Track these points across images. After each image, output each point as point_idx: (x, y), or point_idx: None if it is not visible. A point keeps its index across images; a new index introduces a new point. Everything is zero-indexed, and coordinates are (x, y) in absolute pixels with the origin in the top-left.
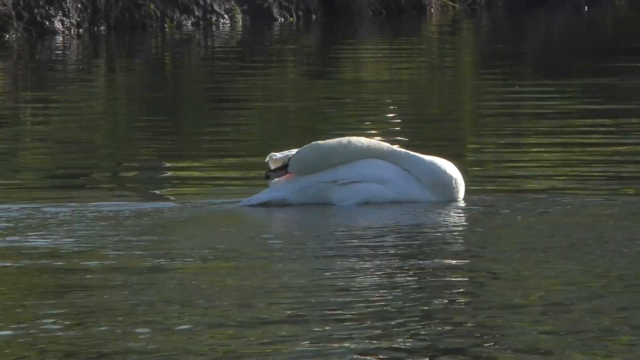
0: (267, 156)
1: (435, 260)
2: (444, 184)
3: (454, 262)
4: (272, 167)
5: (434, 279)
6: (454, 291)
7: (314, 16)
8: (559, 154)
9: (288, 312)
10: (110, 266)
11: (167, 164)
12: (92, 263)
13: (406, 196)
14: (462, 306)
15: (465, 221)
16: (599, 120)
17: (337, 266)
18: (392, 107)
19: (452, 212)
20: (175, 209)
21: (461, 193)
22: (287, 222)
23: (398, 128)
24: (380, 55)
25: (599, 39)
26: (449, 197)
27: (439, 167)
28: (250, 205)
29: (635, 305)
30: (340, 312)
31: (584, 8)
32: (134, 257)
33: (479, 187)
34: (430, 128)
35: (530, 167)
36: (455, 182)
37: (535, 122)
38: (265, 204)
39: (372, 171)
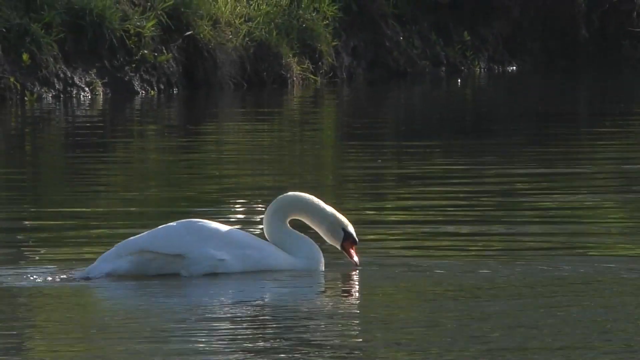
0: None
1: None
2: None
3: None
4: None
5: None
6: None
7: (175, 89)
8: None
9: None
10: None
11: None
12: None
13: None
14: None
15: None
16: (458, 181)
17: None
18: (254, 184)
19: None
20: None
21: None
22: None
23: (259, 205)
24: (241, 129)
25: (457, 109)
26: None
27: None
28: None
29: None
30: None
31: (457, 81)
32: None
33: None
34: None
35: (393, 235)
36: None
37: (396, 191)
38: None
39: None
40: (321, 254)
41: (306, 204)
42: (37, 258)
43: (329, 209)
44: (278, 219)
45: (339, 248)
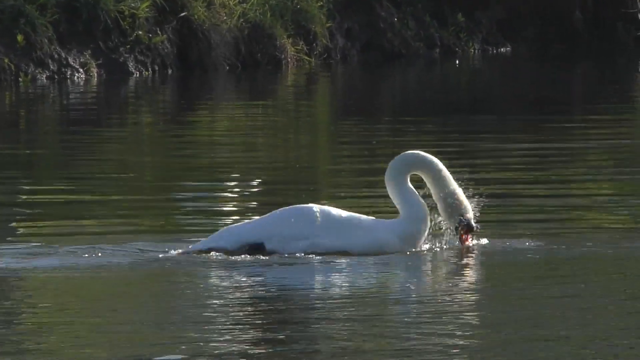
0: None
1: None
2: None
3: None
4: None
5: None
6: None
7: (169, 70)
8: None
9: None
10: None
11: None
12: None
13: None
14: None
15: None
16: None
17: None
18: (249, 165)
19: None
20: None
21: None
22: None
23: (254, 188)
24: (236, 110)
25: (451, 93)
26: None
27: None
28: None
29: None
30: None
31: (456, 62)
32: None
33: None
34: (285, 187)
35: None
36: None
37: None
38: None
39: None
40: (426, 219)
41: (430, 164)
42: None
43: (454, 185)
44: (399, 172)
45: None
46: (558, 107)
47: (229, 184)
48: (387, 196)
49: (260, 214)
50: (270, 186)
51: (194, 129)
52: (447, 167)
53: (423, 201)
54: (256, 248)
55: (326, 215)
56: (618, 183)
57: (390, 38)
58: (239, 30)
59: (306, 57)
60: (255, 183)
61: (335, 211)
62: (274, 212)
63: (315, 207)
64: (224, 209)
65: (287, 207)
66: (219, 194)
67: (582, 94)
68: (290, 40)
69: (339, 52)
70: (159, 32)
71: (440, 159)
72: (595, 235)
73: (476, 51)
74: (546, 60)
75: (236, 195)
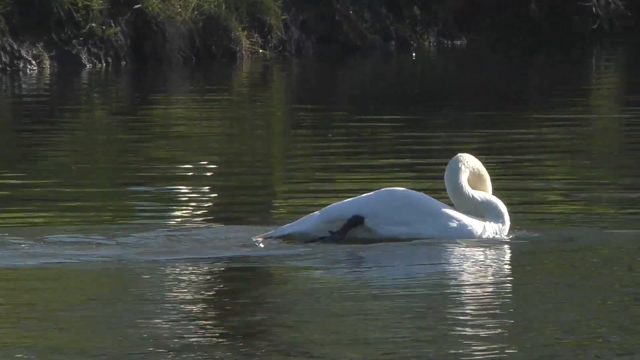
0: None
1: None
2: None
3: None
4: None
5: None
6: None
7: (123, 62)
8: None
9: None
10: None
11: None
12: None
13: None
14: None
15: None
16: (407, 160)
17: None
18: (203, 156)
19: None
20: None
21: None
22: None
23: (207, 179)
24: (190, 102)
25: (407, 85)
26: None
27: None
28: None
29: None
30: None
31: (412, 55)
32: None
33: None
34: (240, 180)
35: None
36: None
37: (346, 168)
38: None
39: None
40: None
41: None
42: None
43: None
44: (464, 177)
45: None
46: (514, 98)
47: (183, 174)
48: (338, 185)
49: (215, 204)
50: (224, 177)
51: (147, 121)
52: (403, 158)
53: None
54: (354, 222)
55: (427, 204)
56: (573, 170)
57: (346, 30)
58: (193, 23)
59: (261, 50)
60: (209, 174)
61: (433, 200)
62: (378, 191)
63: (419, 194)
64: (179, 199)
65: (392, 189)
66: (174, 184)
67: (538, 85)
68: (245, 32)
69: (294, 44)
70: (112, 24)
71: (398, 150)
72: (550, 221)
73: (432, 44)
74: (502, 52)
75: (190, 187)
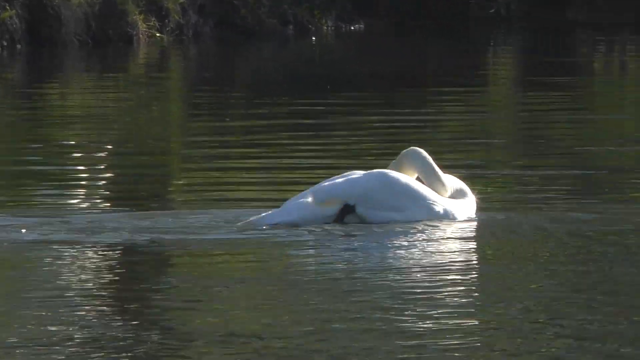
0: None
1: None
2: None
3: None
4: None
5: None
6: None
7: (18, 46)
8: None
9: None
10: None
11: None
12: None
13: None
14: None
15: None
16: (305, 142)
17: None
18: (100, 139)
19: None
20: None
21: None
22: None
23: (105, 163)
24: (86, 85)
25: (305, 69)
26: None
27: None
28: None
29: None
30: None
31: (312, 39)
32: None
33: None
34: (137, 162)
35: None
36: None
37: (244, 150)
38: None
39: None
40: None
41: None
42: None
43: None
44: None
45: None
46: (412, 81)
47: (78, 157)
48: (235, 167)
49: (111, 187)
50: (120, 158)
51: (43, 104)
52: (298, 142)
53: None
54: (346, 211)
55: (415, 189)
56: (470, 153)
57: (244, 15)
58: (89, 6)
59: (158, 34)
60: (105, 156)
61: (419, 184)
62: (369, 175)
63: (407, 179)
64: (74, 182)
65: (382, 174)
66: (69, 167)
67: (435, 69)
68: (142, 16)
69: (191, 28)
70: (7, 7)
71: (295, 135)
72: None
73: (330, 28)
74: (400, 36)
75: (86, 169)
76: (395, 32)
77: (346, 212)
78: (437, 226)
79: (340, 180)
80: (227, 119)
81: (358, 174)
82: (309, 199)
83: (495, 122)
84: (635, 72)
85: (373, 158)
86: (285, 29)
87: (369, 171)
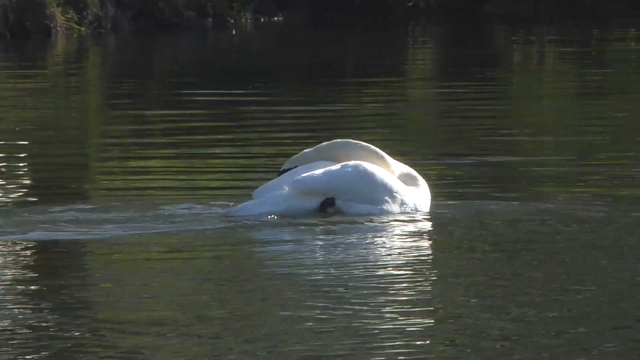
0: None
1: None
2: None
3: None
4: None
5: None
6: None
7: None
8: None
9: None
10: None
11: None
12: None
13: None
14: None
15: None
16: (221, 136)
17: None
18: (17, 135)
19: None
20: None
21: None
22: None
23: (23, 155)
24: (4, 78)
25: (224, 60)
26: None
27: None
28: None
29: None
30: None
31: (232, 31)
32: None
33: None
34: (55, 154)
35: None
36: None
37: (161, 142)
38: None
39: None
40: None
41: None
42: None
43: None
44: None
45: None
46: (331, 73)
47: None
48: (153, 156)
49: (29, 179)
50: (38, 150)
51: None
52: (216, 132)
53: None
54: (327, 204)
55: (390, 182)
56: (389, 143)
57: (162, 7)
58: None
59: (76, 26)
60: (23, 149)
61: (392, 177)
62: (346, 168)
63: (382, 172)
64: None
65: (359, 167)
66: None
67: (354, 60)
68: (60, 8)
69: (109, 21)
70: None
71: (213, 126)
72: None
73: (248, 20)
74: (319, 28)
75: (3, 162)
76: (315, 24)
77: (327, 205)
78: (397, 219)
79: (319, 172)
80: (146, 110)
81: (332, 164)
82: (290, 190)
83: (413, 113)
84: (553, 64)
85: (290, 147)
86: (204, 21)
87: (344, 163)
